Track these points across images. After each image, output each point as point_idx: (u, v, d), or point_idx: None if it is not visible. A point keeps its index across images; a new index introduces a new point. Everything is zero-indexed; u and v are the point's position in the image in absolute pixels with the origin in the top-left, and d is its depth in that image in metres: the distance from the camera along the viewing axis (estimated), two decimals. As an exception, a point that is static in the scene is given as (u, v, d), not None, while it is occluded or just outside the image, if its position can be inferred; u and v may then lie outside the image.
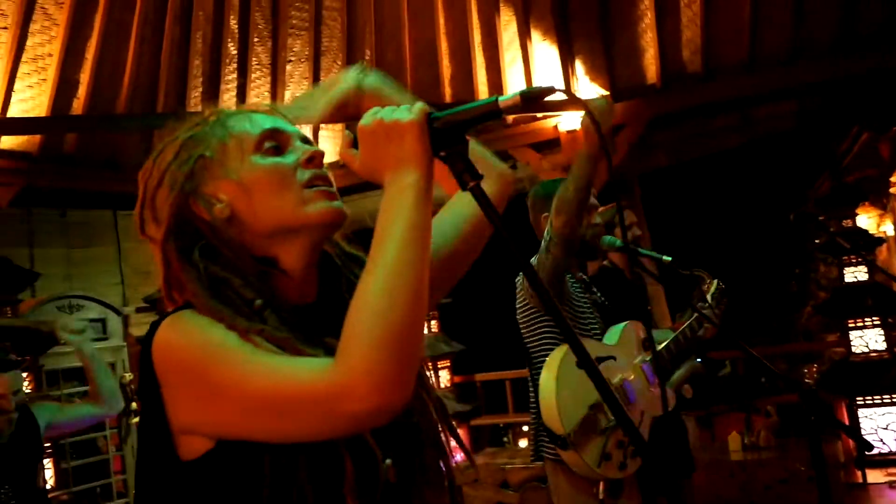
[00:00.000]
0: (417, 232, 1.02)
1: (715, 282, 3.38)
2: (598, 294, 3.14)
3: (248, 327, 1.04)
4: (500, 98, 1.02)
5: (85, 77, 6.18)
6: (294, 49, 7.12)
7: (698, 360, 3.84)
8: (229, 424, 1.03)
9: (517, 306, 2.94)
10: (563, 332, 1.02)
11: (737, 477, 5.18)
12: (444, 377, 6.82)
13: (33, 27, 5.78)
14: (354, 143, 1.10)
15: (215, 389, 1.02)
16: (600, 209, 4.11)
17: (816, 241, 7.45)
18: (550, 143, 6.84)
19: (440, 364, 6.78)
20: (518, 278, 2.96)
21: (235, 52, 6.93)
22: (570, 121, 6.64)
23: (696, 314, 3.18)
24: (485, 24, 6.75)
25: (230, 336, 1.03)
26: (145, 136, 6.86)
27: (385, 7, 6.89)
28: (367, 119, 1.07)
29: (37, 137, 6.22)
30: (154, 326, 1.08)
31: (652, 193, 6.98)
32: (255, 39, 6.94)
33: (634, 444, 1.04)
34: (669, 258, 2.89)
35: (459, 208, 1.35)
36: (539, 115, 6.79)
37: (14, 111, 5.97)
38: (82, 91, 6.22)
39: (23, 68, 5.87)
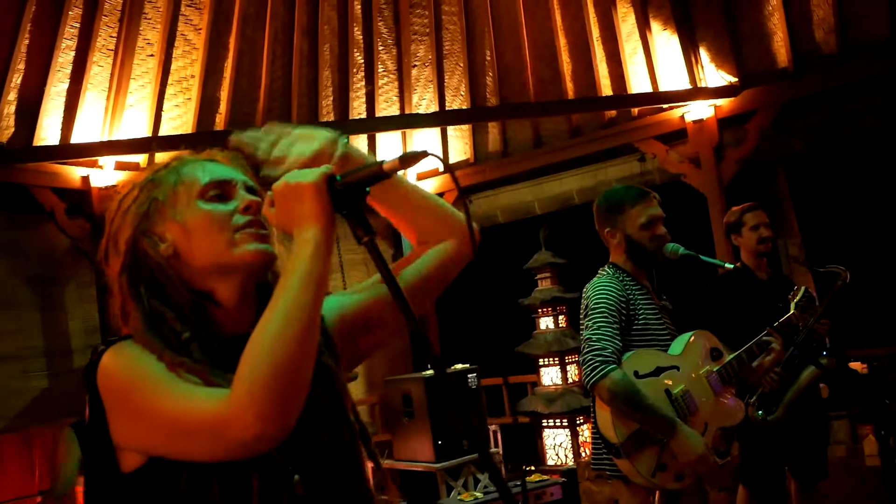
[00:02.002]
0: (310, 282, 1.13)
1: (802, 289, 3.25)
2: (667, 300, 3.10)
3: (172, 359, 1.17)
4: (385, 162, 1.17)
5: (224, 94, 6.66)
6: (418, 54, 7.33)
7: (824, 355, 3.71)
8: (148, 443, 1.17)
9: (581, 318, 2.93)
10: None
11: (868, 484, 4.81)
12: (572, 372, 6.81)
13: (176, 52, 6.32)
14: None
15: (137, 411, 1.16)
16: (733, 209, 4.03)
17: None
18: (677, 134, 6.68)
19: (568, 359, 6.77)
20: (584, 292, 2.96)
21: (362, 60, 7.22)
22: (697, 111, 6.48)
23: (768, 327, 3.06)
24: (602, 17, 6.69)
25: (157, 366, 1.17)
26: (282, 145, 7.29)
27: (501, 7, 6.98)
28: (279, 182, 1.20)
29: (186, 152, 6.72)
30: (101, 353, 1.21)
31: (801, 180, 6.68)
32: (380, 47, 7.20)
33: (475, 445, 1.11)
34: (732, 265, 2.82)
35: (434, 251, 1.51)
36: (665, 105, 6.66)
37: (164, 129, 6.51)
38: (223, 107, 6.70)
39: (169, 90, 6.41)
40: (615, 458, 2.74)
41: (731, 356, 2.95)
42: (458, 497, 4.70)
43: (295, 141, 1.35)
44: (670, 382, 2.79)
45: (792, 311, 3.25)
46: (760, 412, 3.57)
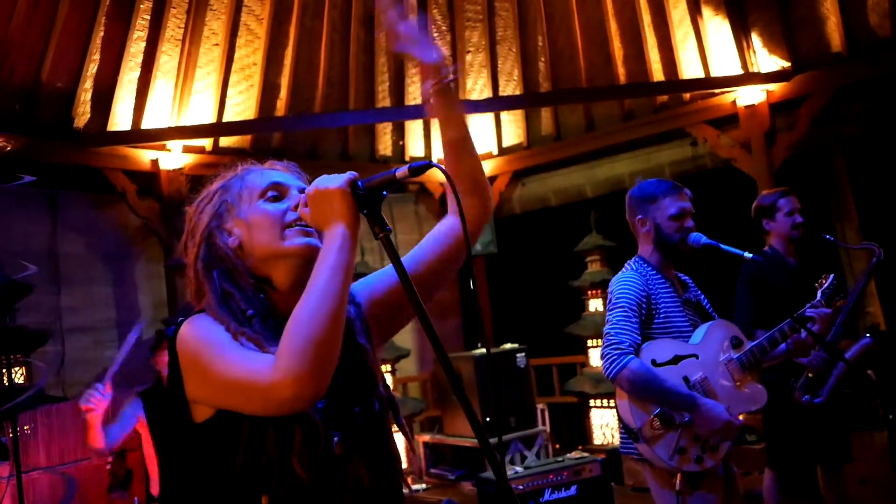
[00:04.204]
0: (338, 270, 1.34)
1: (830, 277, 3.26)
2: (693, 293, 3.16)
3: (235, 329, 1.40)
4: (397, 171, 1.37)
5: (285, 81, 6.93)
6: (472, 40, 7.48)
7: (867, 338, 3.75)
8: (214, 397, 1.40)
9: (608, 308, 3.02)
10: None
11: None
12: (620, 354, 6.91)
13: (239, 41, 6.62)
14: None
15: (205, 370, 1.38)
16: (765, 193, 4.07)
17: None
18: (729, 119, 6.69)
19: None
20: (610, 287, 3.06)
21: (417, 47, 7.38)
22: (749, 96, 6.48)
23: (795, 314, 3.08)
24: (653, 3, 6.73)
25: (223, 335, 1.40)
26: (341, 129, 7.55)
27: (553, -6, 7.07)
28: (310, 187, 1.43)
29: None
30: (181, 323, 1.46)
31: (859, 164, 6.63)
32: (435, 34, 7.36)
33: (478, 436, 1.28)
34: (751, 255, 2.87)
35: (442, 231, 1.70)
36: (717, 90, 6.68)
37: (229, 114, 6.83)
38: (284, 93, 6.98)
39: (233, 77, 6.71)
40: (635, 442, 2.86)
41: (753, 343, 3.01)
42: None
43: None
44: (689, 370, 2.89)
45: (817, 299, 3.24)
46: (807, 396, 3.62)
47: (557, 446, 7.21)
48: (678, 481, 2.88)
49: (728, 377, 2.97)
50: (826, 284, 3.27)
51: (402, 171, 1.37)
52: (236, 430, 1.39)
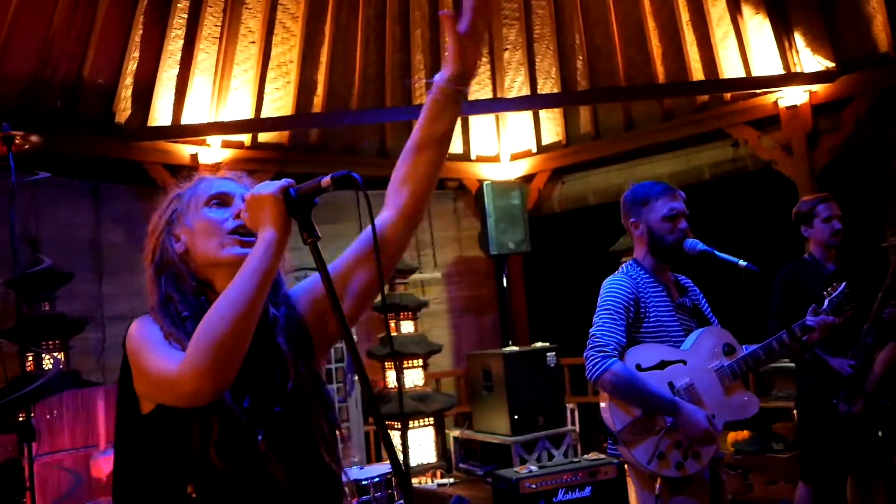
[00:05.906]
0: (256, 274, 1.44)
1: (841, 286, 3.16)
2: (689, 298, 3.13)
3: (168, 331, 1.52)
4: (322, 179, 1.43)
5: (321, 78, 7.02)
6: (509, 38, 7.45)
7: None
8: (148, 392, 1.52)
9: (596, 310, 3.00)
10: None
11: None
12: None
13: (275, 39, 6.73)
14: None
15: (141, 368, 1.50)
16: (804, 199, 3.99)
17: None
18: (770, 120, 6.52)
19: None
20: (602, 287, 3.04)
21: (454, 44, 7.39)
22: (791, 96, 6.31)
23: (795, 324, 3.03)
24: (691, 1, 6.59)
25: (158, 335, 1.52)
26: (378, 125, 7.62)
27: (589, -9, 6.99)
28: (248, 192, 1.54)
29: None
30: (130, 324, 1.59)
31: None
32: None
33: (384, 440, 1.30)
34: (745, 263, 2.81)
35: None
36: (759, 91, 6.51)
37: (266, 111, 6.95)
38: (320, 90, 7.07)
39: (270, 74, 6.83)
40: (615, 445, 2.87)
41: (747, 352, 2.98)
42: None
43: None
44: (675, 375, 2.87)
45: (823, 307, 3.15)
46: (844, 406, 3.58)
47: (604, 445, 7.16)
48: (658, 485, 2.87)
49: (717, 384, 2.94)
50: (835, 293, 3.17)
51: (326, 180, 1.44)
52: (169, 422, 1.50)
